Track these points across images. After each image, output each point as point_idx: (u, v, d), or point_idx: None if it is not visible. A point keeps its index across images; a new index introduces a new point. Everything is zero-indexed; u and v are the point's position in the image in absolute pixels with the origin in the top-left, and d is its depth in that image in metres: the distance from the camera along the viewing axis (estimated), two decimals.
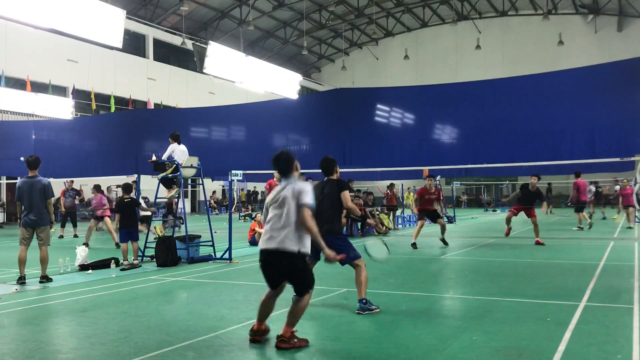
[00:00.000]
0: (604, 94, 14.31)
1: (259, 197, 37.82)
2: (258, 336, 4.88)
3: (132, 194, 10.69)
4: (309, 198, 4.66)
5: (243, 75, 22.86)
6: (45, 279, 8.23)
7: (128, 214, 10.19)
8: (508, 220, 13.66)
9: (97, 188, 15.45)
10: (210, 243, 10.87)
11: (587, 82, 14.75)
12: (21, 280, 8.09)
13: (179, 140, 11.28)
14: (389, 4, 43.34)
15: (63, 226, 17.77)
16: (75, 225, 17.75)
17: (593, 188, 30.62)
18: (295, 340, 4.69)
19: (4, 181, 26.24)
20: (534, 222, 13.07)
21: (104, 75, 32.12)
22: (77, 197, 18.30)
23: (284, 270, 4.70)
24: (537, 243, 12.67)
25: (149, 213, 12.69)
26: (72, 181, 18.23)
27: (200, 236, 11.02)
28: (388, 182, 20.46)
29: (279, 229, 4.65)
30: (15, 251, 8.44)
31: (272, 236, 4.67)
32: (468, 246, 12.54)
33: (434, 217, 13.26)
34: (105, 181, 20.03)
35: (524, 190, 13.49)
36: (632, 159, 13.77)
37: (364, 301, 5.84)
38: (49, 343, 5.06)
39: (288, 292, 4.94)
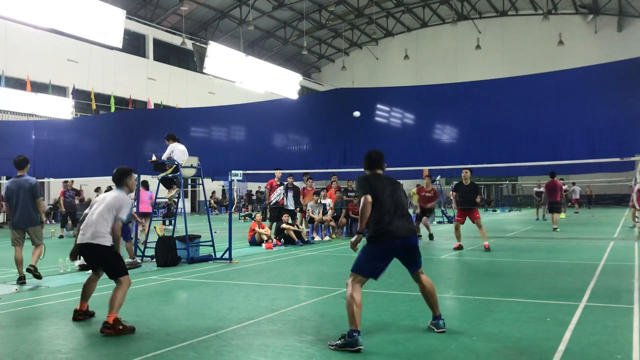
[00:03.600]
0: (604, 94, 14.32)
1: (254, 197, 37.97)
2: (81, 315, 5.81)
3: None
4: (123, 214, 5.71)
5: (243, 75, 22.87)
6: (32, 268, 8.02)
7: None
8: (456, 230, 12.24)
9: (144, 184, 13.96)
10: (210, 243, 10.88)
11: (587, 82, 14.76)
12: (21, 280, 8.09)
13: (177, 139, 11.27)
14: (389, 4, 43.35)
15: (63, 226, 17.78)
16: (75, 225, 17.76)
17: (578, 188, 31.34)
18: (120, 327, 5.20)
19: (4, 181, 26.24)
20: (478, 224, 11.91)
21: (104, 75, 32.13)
22: (76, 197, 18.33)
23: (98, 258, 5.69)
24: (486, 248, 11.63)
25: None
26: (72, 181, 18.26)
27: (200, 236, 11.03)
28: None
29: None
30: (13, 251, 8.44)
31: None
32: (468, 246, 12.54)
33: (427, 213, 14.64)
34: (105, 181, 20.03)
35: (460, 188, 12.35)
36: (632, 159, 13.76)
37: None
38: (49, 343, 5.05)
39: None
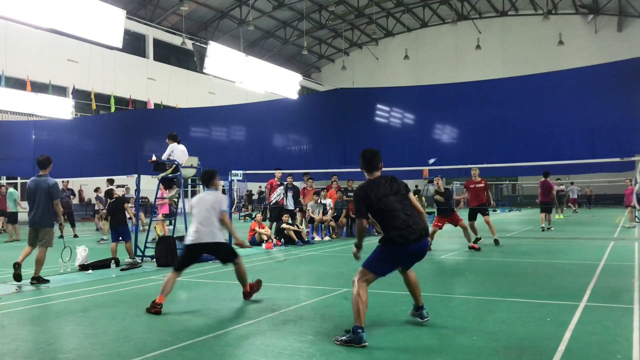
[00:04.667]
0: (604, 94, 14.32)
1: (254, 197, 37.92)
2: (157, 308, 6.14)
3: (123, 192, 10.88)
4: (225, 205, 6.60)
5: (243, 75, 22.86)
6: (37, 280, 8.09)
7: (115, 214, 10.39)
8: (432, 235, 11.82)
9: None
10: None
11: (587, 82, 14.77)
12: (17, 268, 7.97)
13: (178, 140, 11.28)
14: (389, 4, 43.34)
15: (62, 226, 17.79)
16: (73, 225, 17.79)
17: (576, 188, 31.40)
18: (255, 288, 6.72)
19: (4, 181, 26.24)
20: (462, 225, 11.89)
21: (104, 75, 32.13)
22: (72, 196, 18.41)
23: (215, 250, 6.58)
24: (471, 249, 11.71)
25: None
26: (68, 181, 18.32)
27: None
28: None
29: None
30: (14, 251, 8.43)
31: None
32: (467, 246, 12.52)
33: (482, 212, 12.53)
34: (105, 181, 20.06)
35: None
36: (632, 159, 13.76)
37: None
38: (49, 343, 5.05)
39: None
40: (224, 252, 6.60)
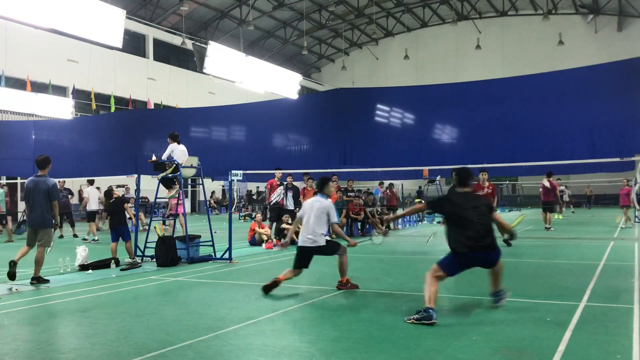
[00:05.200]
0: (604, 94, 14.30)
1: (253, 196, 37.90)
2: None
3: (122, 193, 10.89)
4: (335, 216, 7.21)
5: (243, 75, 22.86)
6: (37, 280, 8.06)
7: (114, 214, 10.42)
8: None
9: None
10: (210, 243, 10.88)
11: (587, 82, 14.74)
12: (12, 264, 7.92)
13: (178, 140, 11.29)
14: (389, 4, 43.34)
15: (60, 226, 17.78)
16: (73, 225, 17.78)
17: (567, 192, 31.40)
18: (349, 285, 7.24)
19: (3, 181, 26.20)
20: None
21: (104, 75, 32.12)
22: (70, 196, 18.44)
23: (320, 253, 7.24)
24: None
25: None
26: (64, 181, 18.35)
27: (200, 236, 11.03)
28: (388, 182, 20.49)
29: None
30: (13, 251, 8.42)
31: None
32: None
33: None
34: (105, 181, 20.07)
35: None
36: (632, 159, 13.75)
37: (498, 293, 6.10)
38: (49, 343, 5.06)
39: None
40: (328, 250, 7.24)
